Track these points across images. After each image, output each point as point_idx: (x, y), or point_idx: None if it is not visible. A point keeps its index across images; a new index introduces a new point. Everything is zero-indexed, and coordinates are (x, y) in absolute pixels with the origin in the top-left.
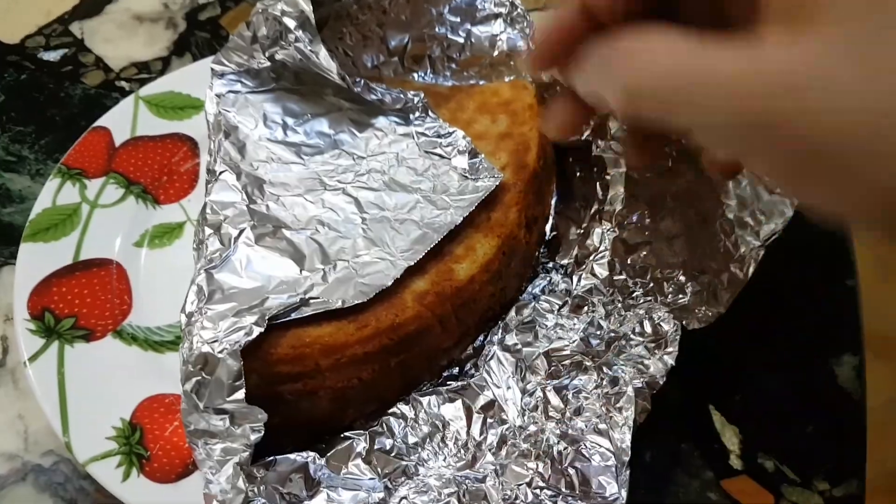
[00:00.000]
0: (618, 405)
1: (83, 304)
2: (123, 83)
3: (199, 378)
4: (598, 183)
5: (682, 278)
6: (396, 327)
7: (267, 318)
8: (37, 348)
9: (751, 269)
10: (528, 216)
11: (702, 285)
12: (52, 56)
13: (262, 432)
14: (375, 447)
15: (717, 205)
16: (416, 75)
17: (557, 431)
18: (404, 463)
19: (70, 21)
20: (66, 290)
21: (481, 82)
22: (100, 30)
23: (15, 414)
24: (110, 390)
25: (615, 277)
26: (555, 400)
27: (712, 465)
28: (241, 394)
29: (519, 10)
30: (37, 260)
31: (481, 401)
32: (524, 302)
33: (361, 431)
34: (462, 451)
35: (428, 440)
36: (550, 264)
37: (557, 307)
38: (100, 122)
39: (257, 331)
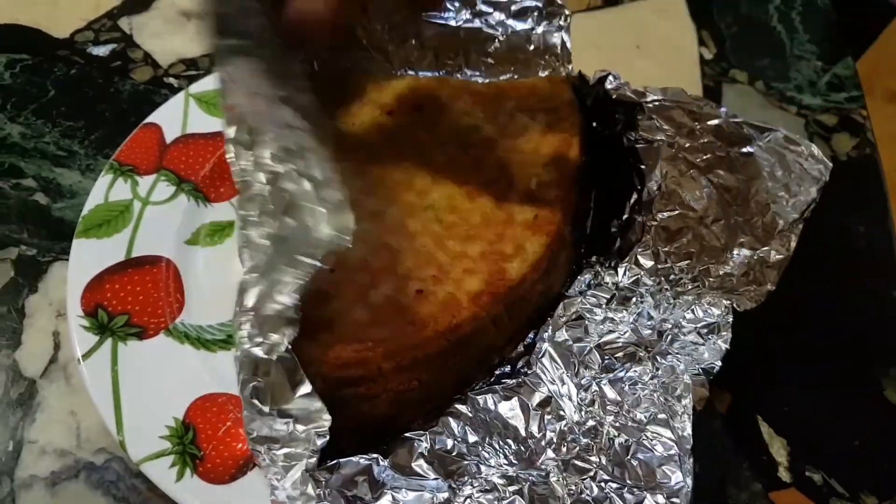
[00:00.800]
0: (676, 394)
1: (136, 302)
2: (172, 79)
3: (256, 383)
4: (633, 173)
5: (727, 260)
6: (454, 328)
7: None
8: (90, 345)
9: (793, 244)
10: (572, 212)
11: (747, 266)
12: (102, 51)
13: (328, 437)
14: (437, 447)
15: (748, 182)
16: (451, 71)
17: (617, 424)
18: (466, 462)
19: (119, 16)
20: (119, 288)
21: (516, 77)
22: (148, 25)
23: (67, 410)
24: (163, 389)
25: (660, 266)
26: (611, 393)
27: (760, 477)
28: (303, 393)
29: (557, 3)
30: (90, 256)
31: (537, 398)
32: (571, 298)
33: (422, 432)
34: (522, 449)
35: (487, 438)
36: (594, 258)
37: (605, 301)
38: (150, 119)
39: (290, 333)
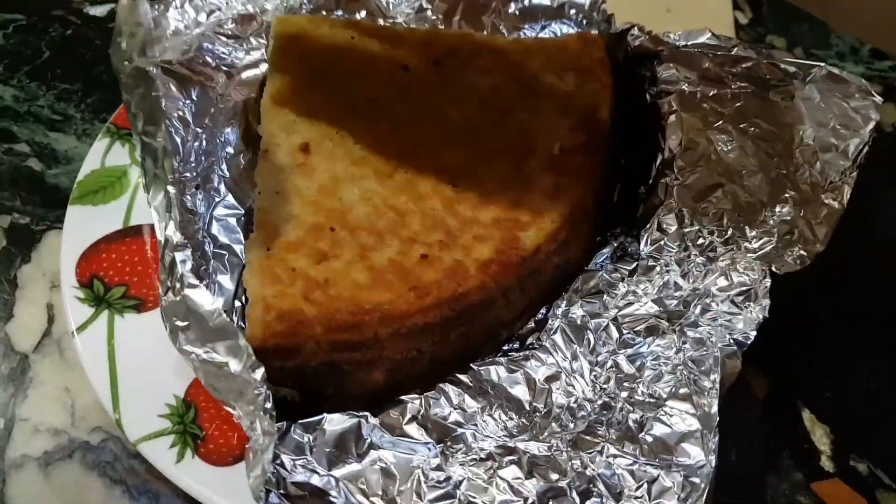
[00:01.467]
0: (703, 368)
1: (134, 272)
2: None
3: (180, 326)
4: (658, 133)
5: (766, 218)
6: (458, 297)
7: None
8: (85, 318)
9: (846, 196)
10: (597, 181)
11: (791, 224)
12: (99, 11)
13: (262, 366)
14: (432, 412)
15: (790, 129)
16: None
17: (632, 400)
18: (461, 431)
19: None
20: (117, 257)
21: (543, 34)
22: None
23: (61, 387)
24: (163, 365)
25: (685, 230)
26: (629, 368)
27: (802, 466)
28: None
29: None
30: (85, 224)
31: (544, 371)
32: (591, 272)
33: (416, 395)
34: (525, 422)
35: (488, 409)
36: (619, 229)
37: (627, 273)
38: None
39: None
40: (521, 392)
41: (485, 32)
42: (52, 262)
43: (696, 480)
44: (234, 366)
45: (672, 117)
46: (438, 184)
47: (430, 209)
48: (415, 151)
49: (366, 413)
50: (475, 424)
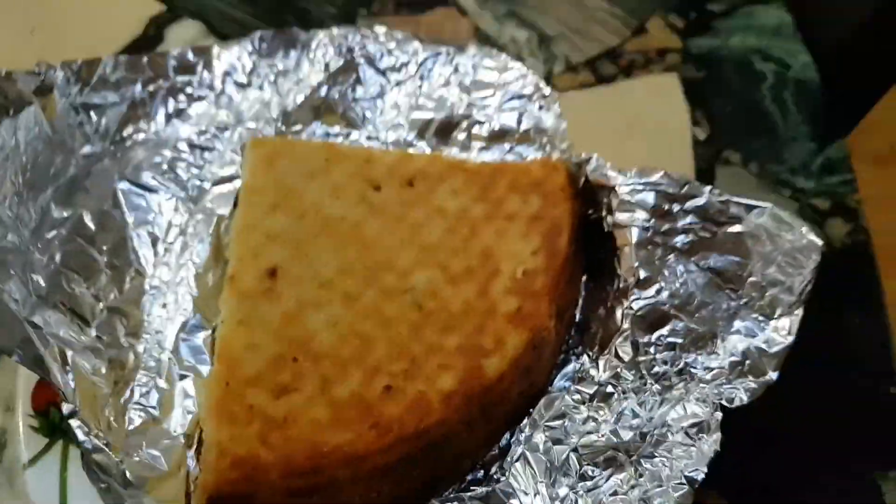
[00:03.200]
0: None
1: None
2: None
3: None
4: (615, 259)
5: (717, 349)
6: (421, 434)
7: None
8: (38, 448)
9: (795, 328)
10: (559, 304)
11: (742, 355)
12: None
13: None
14: None
15: (739, 264)
16: (445, 150)
17: None
18: None
19: None
20: None
21: (510, 157)
22: None
23: None
24: None
25: (640, 359)
26: None
27: None
28: None
29: (544, 92)
30: None
31: None
32: (554, 394)
33: None
34: None
35: None
36: (580, 348)
37: (588, 397)
38: None
39: None
40: None
41: (455, 150)
42: (6, 383)
43: None
44: None
45: (626, 249)
46: (405, 307)
47: (396, 334)
48: (383, 273)
49: None
50: None
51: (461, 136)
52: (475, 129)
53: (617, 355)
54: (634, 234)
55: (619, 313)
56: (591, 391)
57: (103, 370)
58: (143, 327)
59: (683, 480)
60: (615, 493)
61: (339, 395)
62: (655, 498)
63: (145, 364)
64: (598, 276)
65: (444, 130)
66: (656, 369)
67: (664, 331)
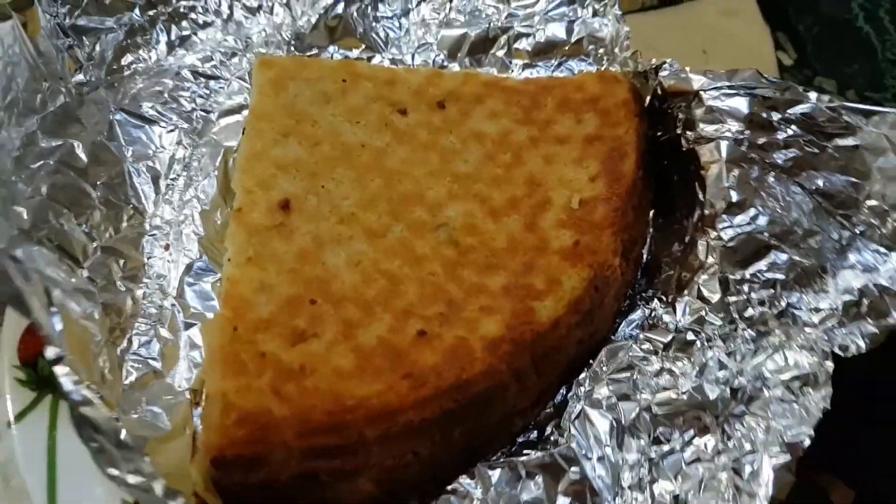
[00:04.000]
0: (749, 480)
1: None
2: None
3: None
4: (696, 183)
5: (826, 288)
6: (462, 386)
7: None
8: (25, 403)
9: None
10: (625, 239)
11: (859, 293)
12: None
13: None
14: None
15: (855, 183)
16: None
17: None
18: None
19: None
20: None
21: (559, 74)
22: None
23: None
24: None
25: (730, 299)
26: (664, 480)
27: None
28: None
29: None
30: None
31: (567, 480)
32: (618, 343)
33: None
34: None
35: None
36: (650, 292)
37: (661, 347)
38: None
39: None
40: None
41: (493, 71)
42: None
43: None
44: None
45: (714, 167)
46: (439, 244)
47: (429, 275)
48: (411, 206)
49: None
50: None
51: (500, 52)
52: (517, 44)
53: (700, 296)
54: (725, 149)
55: (702, 247)
56: (666, 340)
57: (96, 315)
58: (143, 271)
59: (783, 446)
60: (697, 460)
61: (364, 341)
62: (747, 466)
63: (145, 311)
64: (670, 209)
65: (480, 48)
66: (750, 312)
67: (762, 265)
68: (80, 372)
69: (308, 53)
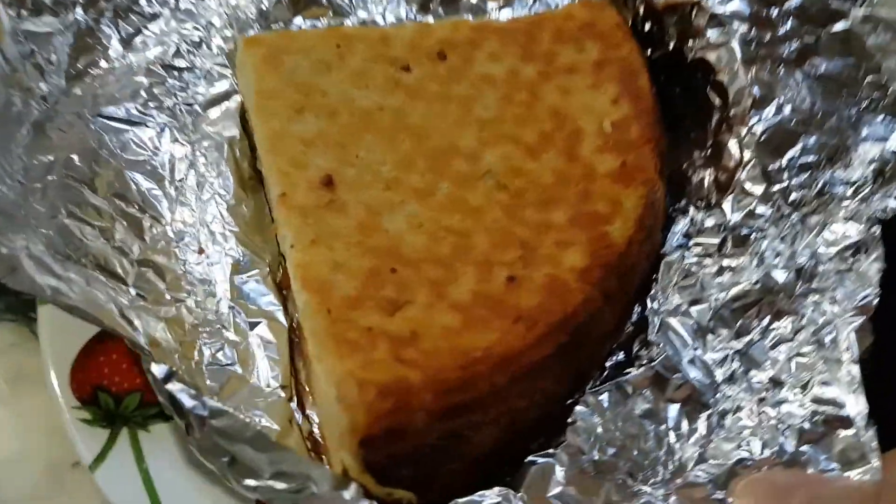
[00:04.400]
0: (832, 348)
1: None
2: None
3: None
4: (708, 90)
5: (852, 161)
6: (569, 318)
7: None
8: (101, 444)
9: None
10: (660, 152)
11: (880, 161)
12: None
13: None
14: (573, 468)
15: (855, 61)
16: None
17: (772, 402)
18: (616, 479)
19: None
20: (119, 357)
21: (536, 8)
22: None
23: None
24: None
25: (774, 189)
26: (754, 369)
27: None
28: None
29: None
30: (68, 323)
31: (672, 386)
32: (672, 256)
33: (551, 451)
34: (664, 456)
35: (631, 448)
36: (682, 203)
37: (715, 248)
38: None
39: None
40: (656, 419)
41: (470, 17)
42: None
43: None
44: (319, 487)
45: (728, 71)
46: (490, 192)
47: (493, 222)
48: (449, 160)
49: (506, 490)
50: (626, 469)
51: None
52: None
53: (744, 191)
54: (739, 51)
55: (733, 146)
56: (717, 240)
57: (163, 331)
58: (186, 278)
59: (854, 310)
60: (779, 343)
61: (459, 296)
62: (827, 337)
63: (204, 319)
64: (677, 122)
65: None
66: (793, 196)
67: (795, 151)
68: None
69: (274, 27)
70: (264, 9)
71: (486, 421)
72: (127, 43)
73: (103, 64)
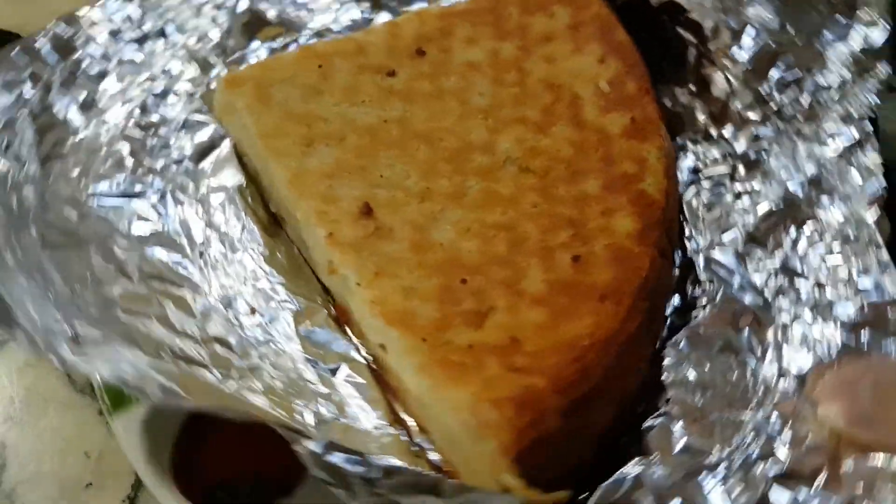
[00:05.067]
0: (857, 241)
1: (260, 451)
2: None
3: None
4: (680, 28)
5: (830, 65)
6: (643, 283)
7: None
8: None
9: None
10: (655, 99)
11: (852, 58)
12: None
13: None
14: (686, 420)
15: None
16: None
17: (823, 304)
18: (722, 416)
19: None
20: (221, 441)
21: None
22: None
23: None
24: None
25: (768, 109)
26: (796, 277)
27: None
28: None
29: None
30: (153, 420)
31: (734, 316)
32: (685, 192)
33: (660, 411)
34: (758, 380)
35: (723, 384)
36: (679, 140)
37: (727, 176)
38: None
39: None
40: (735, 349)
41: (424, 4)
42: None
43: None
44: None
45: (707, 3)
46: (517, 178)
47: (532, 207)
48: (466, 157)
49: (641, 458)
50: (731, 409)
51: None
52: None
53: (742, 118)
54: None
55: (719, 78)
56: (727, 169)
57: (266, 405)
58: (250, 343)
59: (865, 200)
60: (810, 247)
61: (535, 290)
62: (849, 229)
63: (289, 381)
64: (654, 64)
65: None
66: (788, 112)
67: (778, 70)
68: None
69: (233, 57)
70: (217, 40)
71: (603, 402)
72: (86, 109)
73: (70, 139)
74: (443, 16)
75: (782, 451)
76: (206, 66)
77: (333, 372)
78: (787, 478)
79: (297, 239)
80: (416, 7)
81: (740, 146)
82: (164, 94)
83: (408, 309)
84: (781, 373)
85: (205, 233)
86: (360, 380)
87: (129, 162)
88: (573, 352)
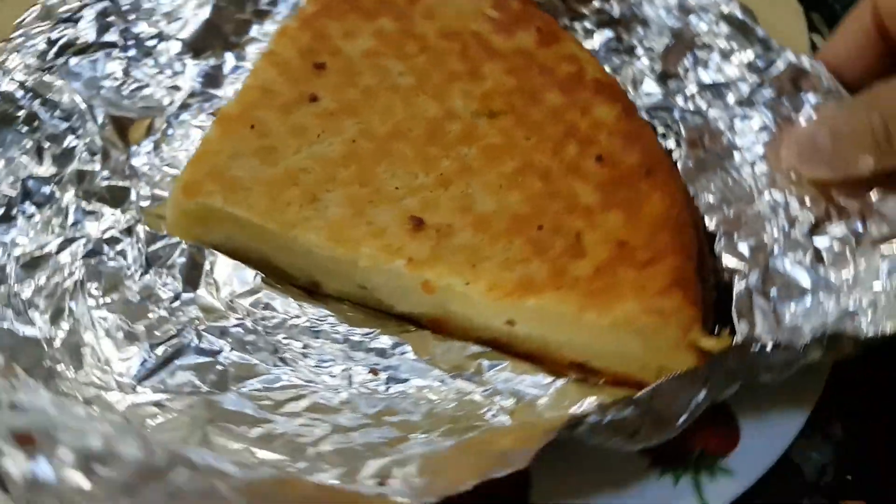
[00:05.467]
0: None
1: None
2: None
3: None
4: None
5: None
6: (659, 146)
7: None
8: None
9: None
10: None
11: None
12: None
13: None
14: (737, 231)
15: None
16: None
17: (745, 96)
18: (749, 214)
19: None
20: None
21: None
22: None
23: None
24: None
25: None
26: (718, 89)
27: None
28: None
29: None
30: None
31: (704, 138)
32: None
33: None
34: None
35: (731, 190)
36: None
37: (615, 39)
38: None
39: None
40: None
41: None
42: None
43: None
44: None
45: None
46: (493, 125)
47: (526, 140)
48: (441, 130)
49: None
50: None
51: None
52: None
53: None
54: None
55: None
56: (612, 34)
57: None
58: (400, 401)
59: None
60: (709, 59)
61: (594, 199)
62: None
63: (459, 404)
64: None
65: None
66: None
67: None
68: None
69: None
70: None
71: (699, 246)
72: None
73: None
74: (305, 24)
75: (801, 215)
76: (119, 203)
77: (480, 371)
78: (817, 226)
79: (353, 288)
80: (254, 34)
81: (615, 11)
82: (117, 240)
83: (521, 276)
84: (752, 161)
85: (295, 337)
86: (503, 363)
87: (137, 305)
88: (668, 222)
